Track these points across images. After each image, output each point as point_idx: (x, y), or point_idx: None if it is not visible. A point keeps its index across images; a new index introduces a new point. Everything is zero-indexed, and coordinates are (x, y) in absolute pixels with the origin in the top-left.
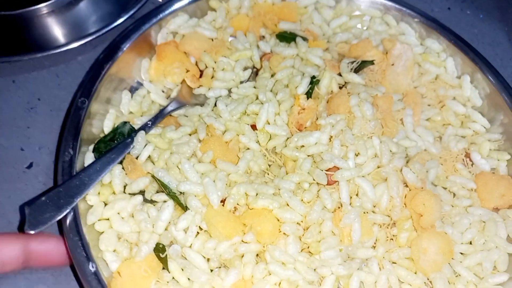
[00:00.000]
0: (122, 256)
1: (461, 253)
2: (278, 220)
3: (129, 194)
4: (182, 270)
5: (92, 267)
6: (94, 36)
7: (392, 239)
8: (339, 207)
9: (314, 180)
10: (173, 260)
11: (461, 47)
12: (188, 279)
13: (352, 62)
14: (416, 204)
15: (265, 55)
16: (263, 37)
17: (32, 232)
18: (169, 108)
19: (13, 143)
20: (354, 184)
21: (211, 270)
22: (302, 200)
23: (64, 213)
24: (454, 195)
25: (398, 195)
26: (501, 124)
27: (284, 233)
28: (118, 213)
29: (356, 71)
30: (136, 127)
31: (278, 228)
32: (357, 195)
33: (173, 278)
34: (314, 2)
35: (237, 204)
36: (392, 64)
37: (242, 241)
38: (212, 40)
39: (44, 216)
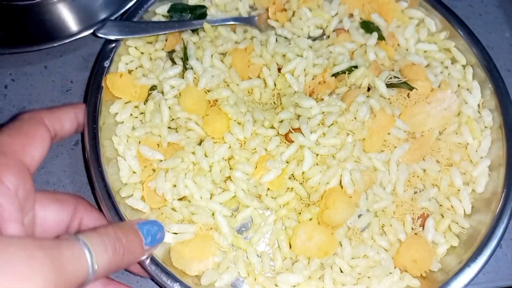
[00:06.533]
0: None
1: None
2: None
3: None
4: None
5: None
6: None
7: (300, 213)
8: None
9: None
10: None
11: None
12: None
13: (395, 77)
14: (328, 199)
15: (339, 30)
16: (352, 15)
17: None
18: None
19: None
20: (301, 154)
21: None
22: (255, 129)
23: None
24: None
25: (325, 183)
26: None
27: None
28: None
29: (391, 86)
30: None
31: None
32: (298, 164)
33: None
34: (420, 18)
35: (212, 91)
36: (428, 103)
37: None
38: None
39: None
